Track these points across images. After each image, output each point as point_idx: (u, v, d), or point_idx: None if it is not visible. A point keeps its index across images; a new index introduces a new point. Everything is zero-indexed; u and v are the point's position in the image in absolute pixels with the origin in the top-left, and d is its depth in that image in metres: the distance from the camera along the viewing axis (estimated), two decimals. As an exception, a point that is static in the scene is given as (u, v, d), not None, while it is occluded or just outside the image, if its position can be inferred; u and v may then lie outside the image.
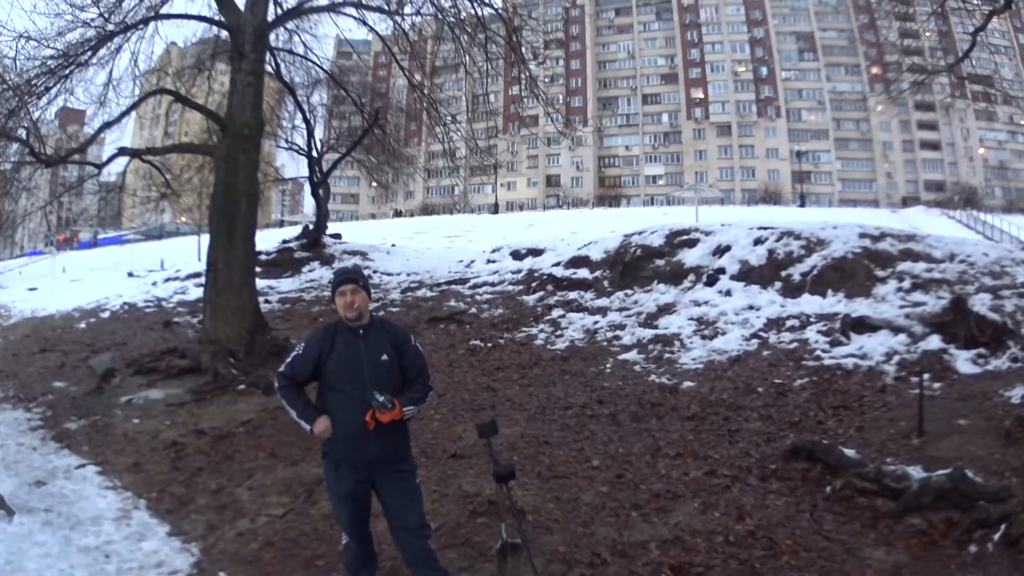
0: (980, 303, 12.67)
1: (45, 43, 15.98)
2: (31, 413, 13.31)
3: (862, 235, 16.97)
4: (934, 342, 11.90)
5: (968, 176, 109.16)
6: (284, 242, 31.04)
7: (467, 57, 19.47)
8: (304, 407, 5.74)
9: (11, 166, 17.75)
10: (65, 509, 8.42)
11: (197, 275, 25.26)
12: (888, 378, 11.20)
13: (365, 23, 20.82)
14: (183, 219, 60.60)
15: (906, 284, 14.66)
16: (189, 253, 43.53)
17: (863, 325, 13.11)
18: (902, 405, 9.94)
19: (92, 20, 16.18)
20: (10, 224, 22.33)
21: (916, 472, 7.46)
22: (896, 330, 12.61)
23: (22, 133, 16.10)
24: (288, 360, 5.91)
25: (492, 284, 21.95)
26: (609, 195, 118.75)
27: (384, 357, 5.70)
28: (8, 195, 18.49)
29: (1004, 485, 7.03)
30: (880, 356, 11.97)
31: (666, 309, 16.72)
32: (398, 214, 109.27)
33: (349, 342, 5.72)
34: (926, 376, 10.17)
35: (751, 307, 15.60)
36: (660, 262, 19.13)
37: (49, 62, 15.95)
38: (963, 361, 11.27)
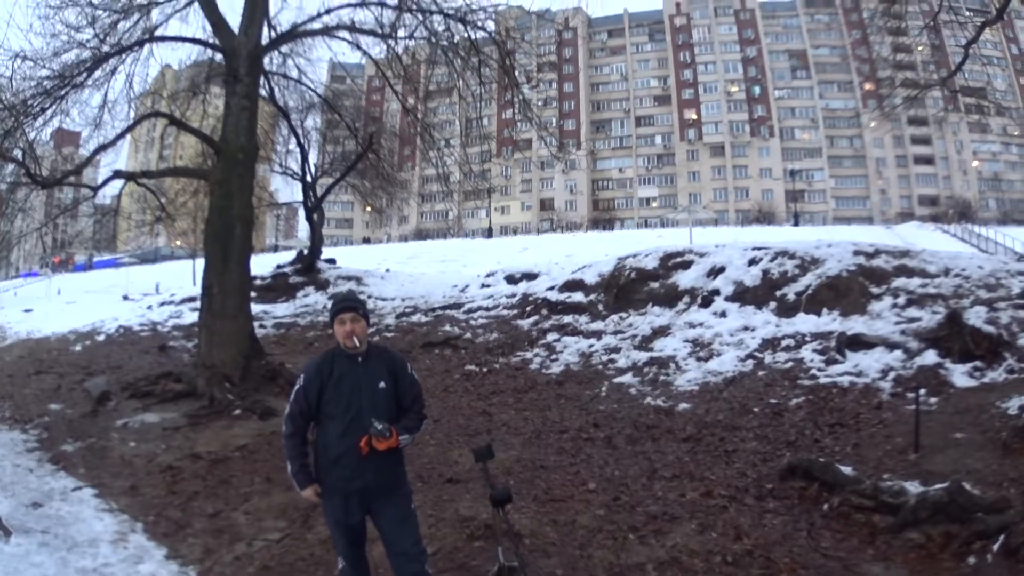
0: (975, 316, 12.70)
1: (41, 63, 16.09)
2: (27, 435, 13.30)
3: (856, 252, 17.03)
4: (930, 357, 11.92)
5: (962, 189, 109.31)
6: (279, 267, 30.99)
7: (460, 81, 19.56)
8: (300, 469, 5.67)
9: (7, 187, 17.80)
10: (62, 531, 8.40)
11: (192, 299, 25.27)
12: (884, 394, 11.22)
13: (359, 47, 20.93)
14: (178, 243, 60.75)
15: (901, 300, 14.71)
16: (184, 277, 43.63)
17: (858, 342, 13.13)
18: (898, 421, 9.95)
19: (88, 41, 16.31)
20: (5, 245, 22.30)
21: (913, 487, 7.46)
22: (891, 346, 12.63)
23: (18, 154, 16.15)
24: (292, 398, 5.79)
25: (487, 309, 21.96)
26: (603, 218, 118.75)
27: (382, 384, 5.67)
28: (3, 216, 18.50)
29: (1002, 496, 7.03)
30: (876, 373, 11.99)
31: (661, 331, 16.75)
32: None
33: (347, 369, 5.68)
34: (922, 391, 10.18)
35: (746, 328, 15.63)
36: (655, 284, 19.18)
37: (45, 83, 16.03)
38: (959, 375, 11.29)
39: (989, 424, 9.22)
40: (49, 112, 16.52)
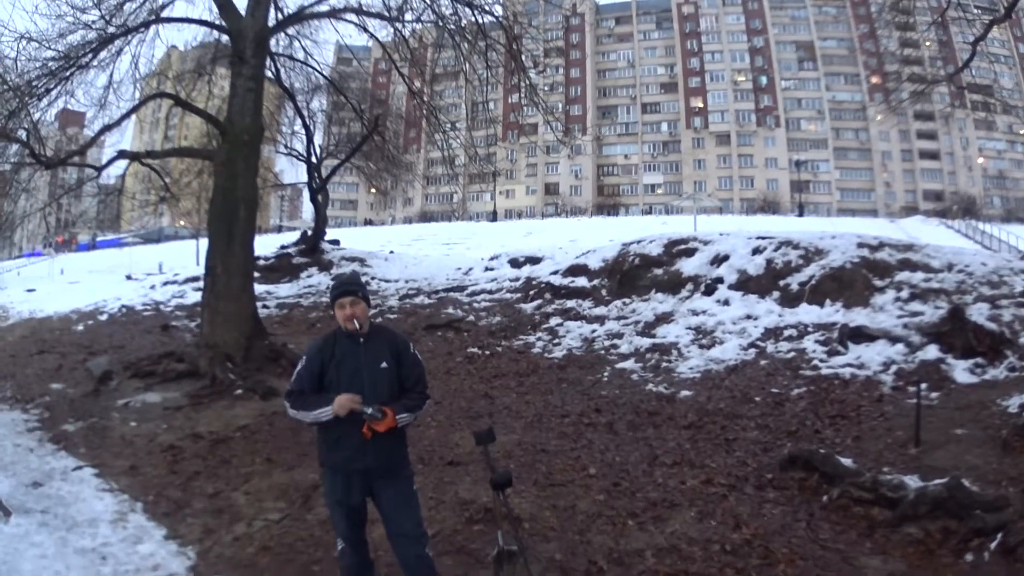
0: (978, 313, 12.68)
1: (46, 44, 16.00)
2: (28, 414, 13.30)
3: (860, 245, 17.00)
4: (932, 352, 11.92)
5: (967, 186, 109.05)
6: (282, 248, 30.98)
7: (467, 64, 19.47)
8: (317, 399, 5.54)
9: (11, 167, 17.75)
10: (62, 511, 8.41)
11: (195, 279, 25.23)
12: (885, 388, 11.22)
13: (366, 29, 20.83)
14: (182, 223, 60.75)
15: (904, 294, 14.69)
16: (187, 257, 43.61)
17: (861, 335, 13.12)
18: (899, 415, 9.95)
19: (93, 22, 16.23)
20: (9, 225, 22.27)
21: (913, 481, 7.45)
22: (894, 340, 12.63)
23: (22, 134, 16.08)
24: (293, 377, 5.79)
25: (490, 292, 21.97)
26: (608, 204, 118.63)
27: (383, 365, 5.65)
28: (7, 196, 18.50)
29: (1001, 494, 7.03)
30: (878, 366, 11.99)
31: (664, 318, 16.75)
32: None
33: (349, 350, 5.66)
34: (923, 386, 10.16)
35: (749, 316, 15.63)
36: (658, 271, 19.16)
37: (50, 63, 15.96)
38: (961, 371, 11.28)
39: (989, 421, 9.22)
40: (54, 93, 16.47)
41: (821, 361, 12.75)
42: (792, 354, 13.37)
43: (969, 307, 13.06)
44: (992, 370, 11.20)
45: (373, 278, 25.72)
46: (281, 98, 28.87)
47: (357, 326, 5.66)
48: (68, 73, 16.30)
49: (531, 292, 20.74)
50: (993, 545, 6.33)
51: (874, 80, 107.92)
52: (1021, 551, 6.07)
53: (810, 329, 14.28)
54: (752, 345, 14.24)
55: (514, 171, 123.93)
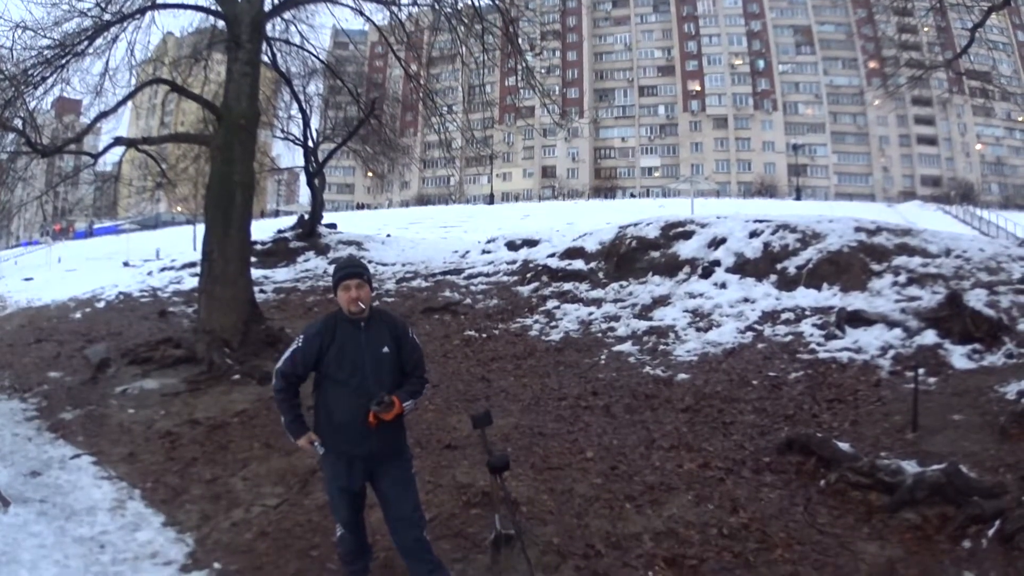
0: (976, 298, 12.65)
1: (42, 33, 15.91)
2: (26, 403, 13.31)
3: (858, 229, 16.96)
4: (929, 337, 11.88)
5: (965, 172, 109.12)
6: (279, 232, 30.93)
7: (464, 48, 19.41)
8: (293, 419, 5.72)
9: (7, 156, 17.70)
10: (60, 500, 8.43)
11: (192, 265, 25.22)
12: (883, 372, 11.19)
13: (362, 13, 20.79)
14: (179, 209, 60.60)
15: (902, 278, 14.65)
16: (185, 243, 43.51)
17: (858, 319, 13.10)
18: (897, 399, 9.93)
19: (89, 10, 16.12)
20: (6, 214, 22.27)
21: (910, 467, 7.44)
22: (891, 324, 12.60)
23: (18, 123, 16.02)
24: (287, 355, 5.76)
25: (487, 275, 21.94)
26: (605, 187, 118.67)
27: (385, 349, 5.66)
28: (4, 185, 18.44)
29: (998, 481, 7.03)
30: (875, 350, 11.96)
31: (661, 301, 16.71)
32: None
33: (350, 334, 5.65)
34: (921, 371, 10.17)
35: (746, 300, 15.60)
36: (655, 254, 19.12)
37: (46, 52, 15.87)
38: (958, 356, 11.24)
39: (987, 408, 9.19)
40: (50, 81, 16.39)
41: (818, 345, 12.72)
42: (789, 338, 13.35)
43: (967, 293, 13.02)
44: (990, 356, 11.18)
45: (370, 262, 25.57)
46: (277, 83, 28.79)
47: (362, 307, 5.65)
48: (64, 61, 16.22)
49: (528, 275, 20.70)
50: (991, 532, 6.32)
51: (872, 65, 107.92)
52: (1019, 538, 6.06)
53: (807, 313, 14.25)
54: (749, 328, 14.22)
55: (511, 154, 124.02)
